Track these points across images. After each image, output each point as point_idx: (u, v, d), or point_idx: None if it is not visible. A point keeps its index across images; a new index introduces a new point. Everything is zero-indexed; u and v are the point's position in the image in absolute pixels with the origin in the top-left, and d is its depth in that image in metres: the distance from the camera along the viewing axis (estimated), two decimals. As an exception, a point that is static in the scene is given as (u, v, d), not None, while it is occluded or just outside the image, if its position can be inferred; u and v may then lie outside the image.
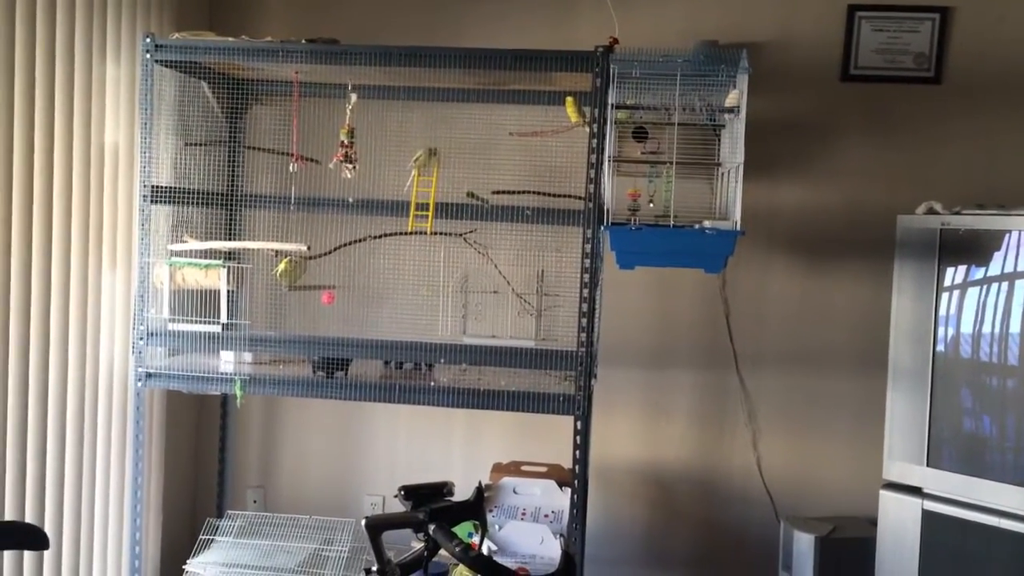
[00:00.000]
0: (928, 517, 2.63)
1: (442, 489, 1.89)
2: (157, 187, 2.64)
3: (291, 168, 2.65)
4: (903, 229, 2.73)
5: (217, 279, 2.62)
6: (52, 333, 2.45)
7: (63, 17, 2.43)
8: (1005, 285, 2.55)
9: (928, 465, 2.66)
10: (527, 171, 2.74)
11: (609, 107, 2.44)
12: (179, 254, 2.66)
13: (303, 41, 2.60)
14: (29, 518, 2.39)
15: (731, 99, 2.47)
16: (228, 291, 2.63)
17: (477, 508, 1.90)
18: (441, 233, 2.69)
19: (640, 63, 2.45)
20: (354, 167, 2.58)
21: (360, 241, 2.76)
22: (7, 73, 2.25)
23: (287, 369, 2.72)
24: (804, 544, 2.84)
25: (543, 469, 2.91)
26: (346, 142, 2.58)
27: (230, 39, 2.62)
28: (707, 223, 2.45)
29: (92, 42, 2.56)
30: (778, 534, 2.99)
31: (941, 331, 2.65)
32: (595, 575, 3.16)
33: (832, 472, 3.09)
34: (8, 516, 2.31)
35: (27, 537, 1.67)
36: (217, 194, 2.85)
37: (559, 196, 2.71)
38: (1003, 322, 2.55)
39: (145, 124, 2.61)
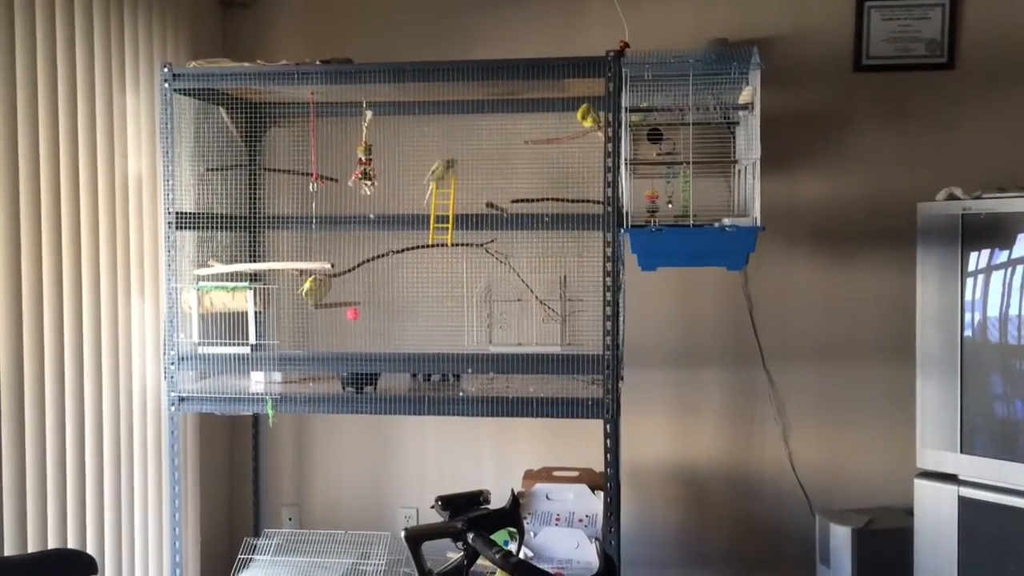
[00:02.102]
0: (964, 504, 2.62)
1: (478, 498, 1.90)
2: (181, 213, 2.68)
3: (311, 188, 2.68)
4: (924, 216, 2.72)
5: (244, 301, 2.66)
6: (86, 362, 2.49)
7: (82, 51, 2.48)
8: (1030, 267, 2.54)
9: (962, 452, 2.64)
10: (544, 178, 2.75)
11: (623, 110, 2.45)
12: (206, 278, 2.70)
13: (317, 62, 2.63)
14: (72, 544, 2.43)
15: (744, 96, 2.47)
16: (255, 312, 2.66)
17: (513, 515, 1.91)
18: (462, 244, 2.70)
19: (651, 65, 2.46)
20: (373, 183, 2.61)
21: (382, 256, 2.78)
22: (31, 108, 2.30)
23: (317, 387, 2.75)
24: (841, 537, 2.83)
25: (575, 474, 2.92)
26: (364, 159, 2.61)
27: (245, 64, 2.66)
28: (727, 221, 2.46)
29: (111, 74, 2.61)
30: (814, 528, 2.97)
31: (968, 317, 2.63)
32: (632, 577, 3.16)
33: (865, 463, 3.08)
34: (52, 543, 2.35)
35: (75, 564, 1.69)
36: (240, 217, 2.89)
37: (577, 201, 2.72)
38: (1030, 304, 2.53)
39: (166, 152, 2.65)
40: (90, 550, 2.50)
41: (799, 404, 3.11)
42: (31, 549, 2.27)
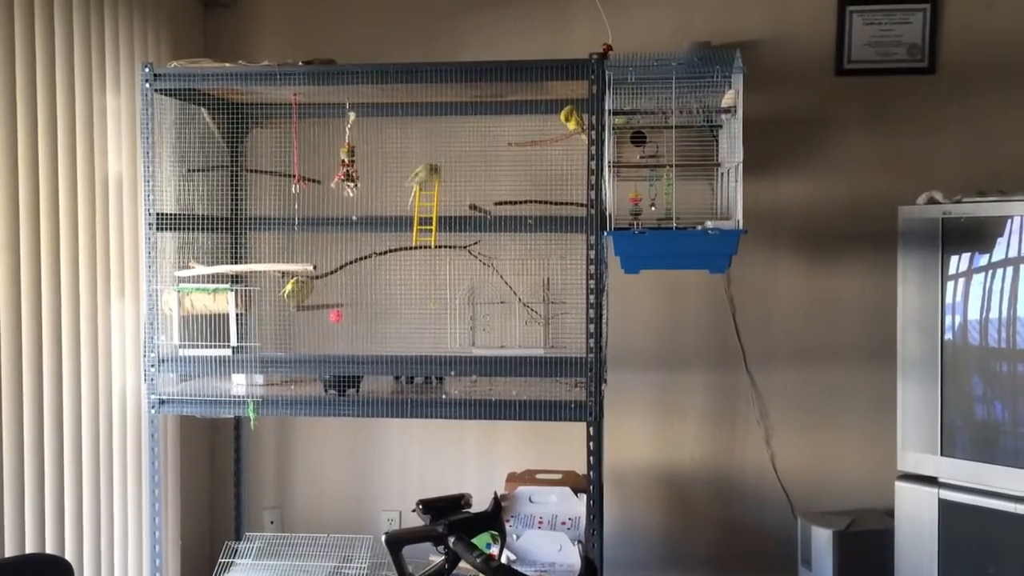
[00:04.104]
0: (945, 506, 2.63)
1: (459, 501, 1.89)
2: (162, 214, 2.66)
3: (293, 189, 2.67)
4: (905, 220, 2.74)
5: (225, 303, 2.64)
6: (64, 364, 2.47)
7: (62, 51, 2.46)
8: (1009, 270, 2.56)
9: (942, 454, 2.66)
10: (528, 181, 2.75)
11: (606, 113, 2.46)
12: (186, 280, 2.68)
13: (300, 63, 2.62)
14: (50, 549, 2.40)
15: (727, 99, 2.48)
16: (237, 314, 2.64)
17: (495, 518, 1.90)
18: (445, 246, 2.70)
19: (635, 68, 2.46)
20: (356, 185, 2.60)
21: (365, 258, 2.77)
22: (9, 107, 2.27)
23: (299, 389, 2.73)
24: (822, 539, 2.84)
25: (558, 476, 2.91)
26: (347, 161, 2.59)
27: (227, 64, 2.64)
28: (709, 223, 2.46)
29: (91, 74, 2.59)
30: (796, 530, 2.99)
31: (948, 320, 2.65)
32: (615, 580, 3.16)
33: (847, 465, 3.09)
34: (29, 548, 2.32)
35: (52, 568, 1.68)
36: (221, 218, 2.88)
37: (561, 204, 2.72)
38: (1010, 307, 2.55)
39: (147, 153, 2.63)
40: (68, 554, 2.48)
41: (781, 406, 3.12)
42: (8, 554, 2.25)
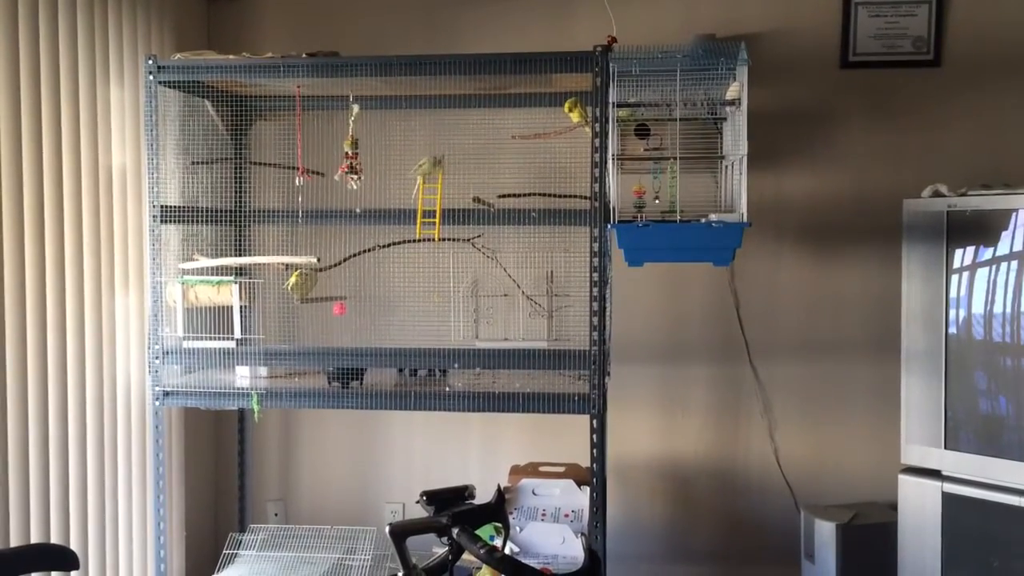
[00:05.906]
0: (948, 499, 2.63)
1: (463, 493, 1.90)
2: (166, 207, 2.66)
3: (297, 182, 2.67)
4: (910, 213, 2.73)
5: (229, 295, 2.64)
6: (69, 356, 2.48)
7: (66, 43, 2.46)
8: (1015, 264, 2.55)
9: (946, 447, 2.66)
10: (532, 173, 2.75)
11: (610, 106, 2.45)
12: (190, 272, 2.68)
13: (303, 56, 2.62)
14: (55, 540, 2.41)
15: (732, 92, 2.47)
16: (241, 306, 2.65)
17: (498, 510, 1.91)
18: (449, 239, 2.70)
19: (639, 60, 2.46)
20: (359, 178, 2.60)
21: (369, 251, 2.77)
22: (13, 100, 2.28)
23: (302, 382, 2.74)
24: (826, 532, 2.84)
25: (561, 469, 2.92)
26: (350, 153, 2.60)
27: (231, 57, 2.64)
28: (713, 216, 2.46)
29: (95, 66, 2.59)
30: (799, 523, 2.99)
31: (952, 313, 2.65)
32: (617, 573, 3.16)
33: (850, 458, 3.09)
34: (35, 539, 2.33)
35: (57, 559, 1.69)
36: (225, 211, 2.88)
37: (565, 197, 2.72)
38: (1014, 301, 2.55)
39: (151, 145, 2.63)
40: (73, 545, 2.49)
41: (785, 400, 3.12)
42: (13, 544, 2.26)
